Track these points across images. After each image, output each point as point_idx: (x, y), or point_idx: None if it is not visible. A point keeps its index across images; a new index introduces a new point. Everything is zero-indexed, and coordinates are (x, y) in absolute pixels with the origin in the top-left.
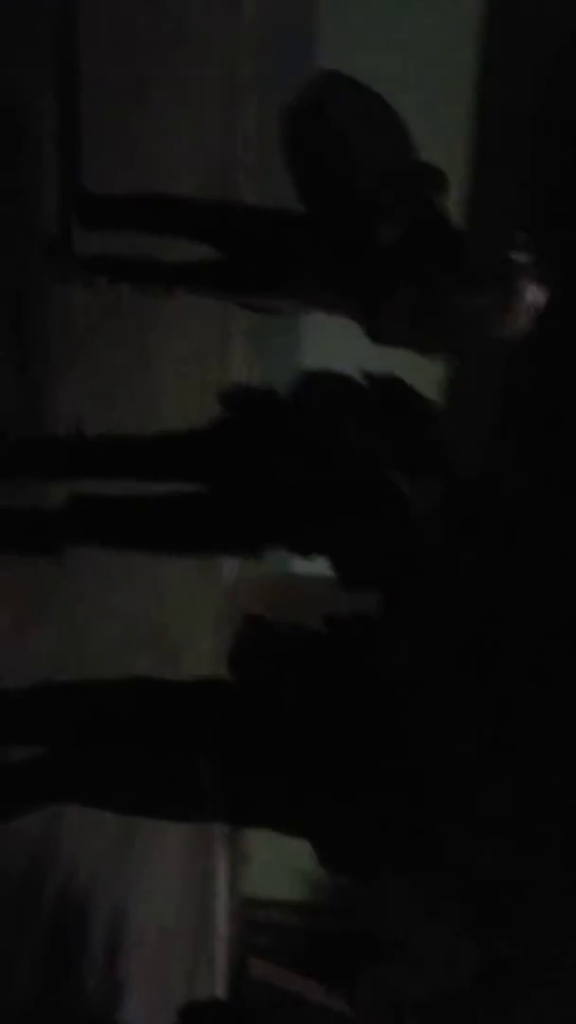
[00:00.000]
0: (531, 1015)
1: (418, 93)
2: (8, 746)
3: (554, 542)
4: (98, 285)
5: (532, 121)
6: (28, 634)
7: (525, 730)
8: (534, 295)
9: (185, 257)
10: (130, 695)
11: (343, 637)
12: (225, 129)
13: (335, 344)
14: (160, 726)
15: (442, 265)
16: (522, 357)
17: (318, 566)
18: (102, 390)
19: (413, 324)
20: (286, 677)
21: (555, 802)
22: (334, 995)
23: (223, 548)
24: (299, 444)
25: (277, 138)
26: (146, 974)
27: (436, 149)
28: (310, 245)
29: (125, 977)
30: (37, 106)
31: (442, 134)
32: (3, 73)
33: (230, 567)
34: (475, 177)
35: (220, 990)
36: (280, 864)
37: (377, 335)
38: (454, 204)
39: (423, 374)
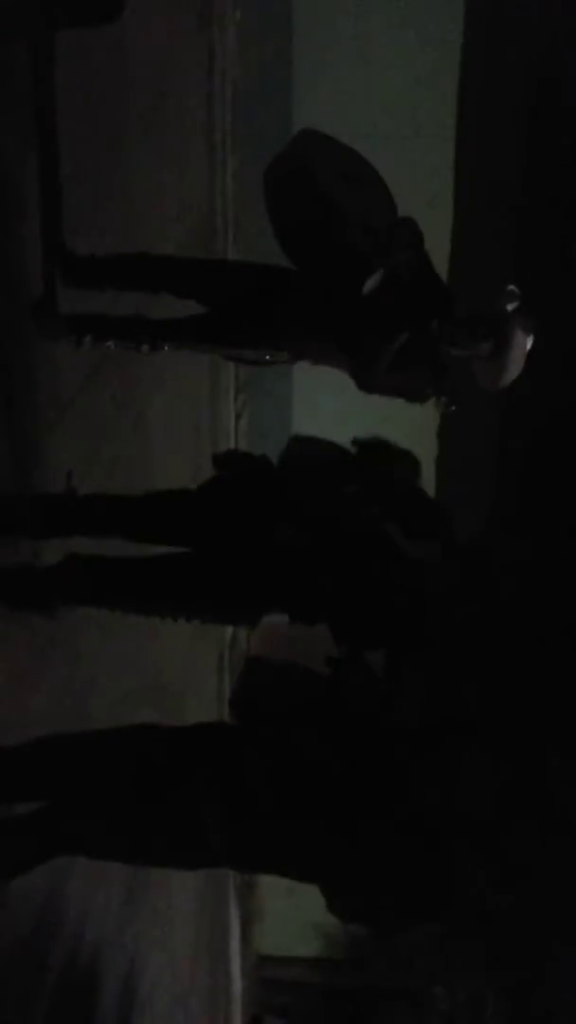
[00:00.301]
0: None
1: (397, 148)
2: (9, 803)
3: (555, 594)
4: (84, 344)
5: (513, 173)
6: (26, 692)
7: (537, 774)
8: (523, 345)
9: (171, 313)
10: (131, 743)
11: (345, 680)
12: (206, 185)
13: (325, 394)
14: (162, 772)
15: (429, 315)
16: (515, 408)
17: None
18: (92, 448)
19: (401, 373)
20: (289, 719)
21: (573, 843)
22: None
23: (218, 615)
24: (292, 507)
25: (262, 197)
26: None
27: (418, 203)
28: (296, 298)
29: None
30: (18, 169)
31: (423, 188)
32: None
33: None
34: (458, 229)
35: None
36: (294, 919)
37: (366, 384)
38: (439, 255)
39: (415, 424)
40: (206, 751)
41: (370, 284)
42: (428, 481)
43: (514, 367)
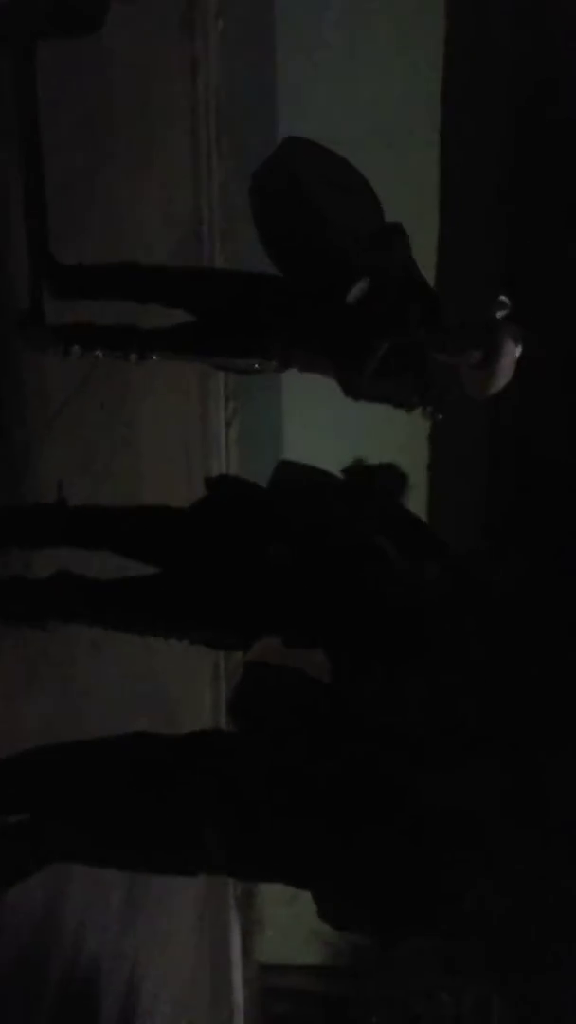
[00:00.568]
0: None
1: (383, 154)
2: (6, 813)
3: (551, 603)
4: (72, 354)
5: (501, 178)
6: (20, 704)
7: (535, 782)
8: (512, 354)
9: (159, 322)
10: (127, 751)
11: (346, 686)
12: (192, 194)
13: (316, 401)
14: (158, 780)
15: (415, 322)
16: (506, 414)
17: None
18: (81, 458)
19: (387, 380)
20: (288, 725)
21: (570, 847)
22: None
23: (210, 640)
24: (283, 527)
25: (248, 205)
26: None
27: (405, 209)
28: (283, 306)
29: None
30: (2, 181)
31: (410, 194)
32: None
33: None
34: (445, 235)
35: None
36: (295, 928)
37: (354, 392)
38: (427, 262)
39: (405, 430)
40: (203, 758)
41: (355, 291)
42: (420, 486)
43: (503, 376)
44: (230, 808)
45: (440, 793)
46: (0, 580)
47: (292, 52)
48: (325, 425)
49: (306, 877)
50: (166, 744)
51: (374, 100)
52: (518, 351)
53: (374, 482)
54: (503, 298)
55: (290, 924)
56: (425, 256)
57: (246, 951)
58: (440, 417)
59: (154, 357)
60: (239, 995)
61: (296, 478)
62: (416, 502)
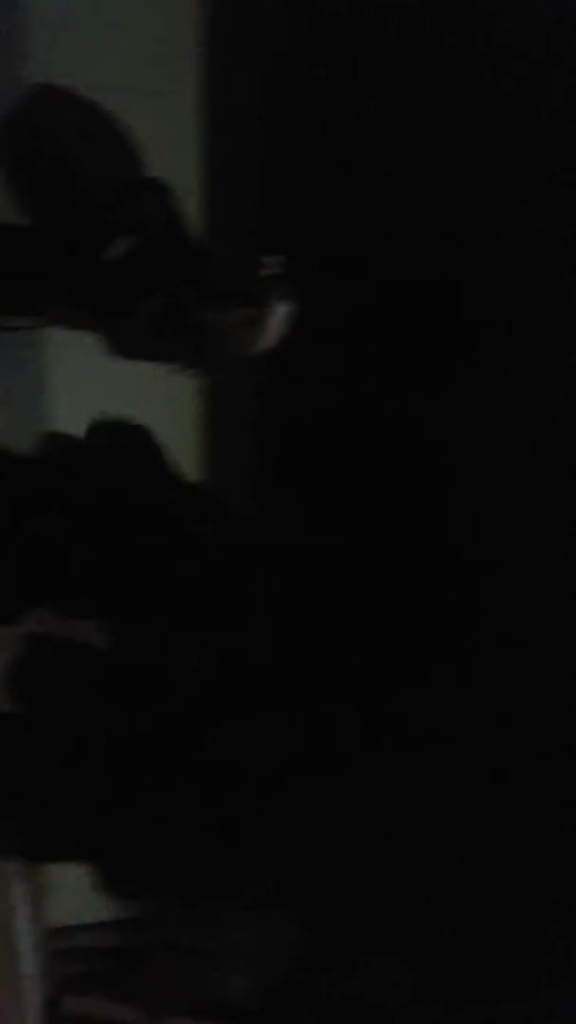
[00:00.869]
0: None
1: (143, 102)
2: None
3: (330, 563)
4: None
5: (262, 127)
6: None
7: (320, 731)
8: (281, 313)
9: None
10: None
11: (125, 649)
12: None
13: (80, 358)
14: None
15: (181, 278)
16: (272, 374)
17: None
18: None
19: (154, 337)
20: (69, 695)
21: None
22: (153, 1018)
23: None
24: (53, 500)
25: None
26: None
27: (166, 160)
28: (41, 262)
29: None
30: None
31: (172, 145)
32: None
33: None
34: (210, 189)
35: None
36: (84, 887)
37: (119, 349)
38: (191, 216)
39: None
40: None
41: (116, 248)
42: (190, 443)
43: (271, 334)
44: (10, 788)
45: (227, 745)
46: None
47: None
48: (91, 383)
49: (87, 851)
50: None
51: (129, 48)
52: (285, 309)
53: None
54: (272, 256)
55: (77, 883)
56: (187, 209)
57: (35, 918)
58: (207, 377)
59: None
60: (30, 965)
61: (64, 449)
62: (187, 460)
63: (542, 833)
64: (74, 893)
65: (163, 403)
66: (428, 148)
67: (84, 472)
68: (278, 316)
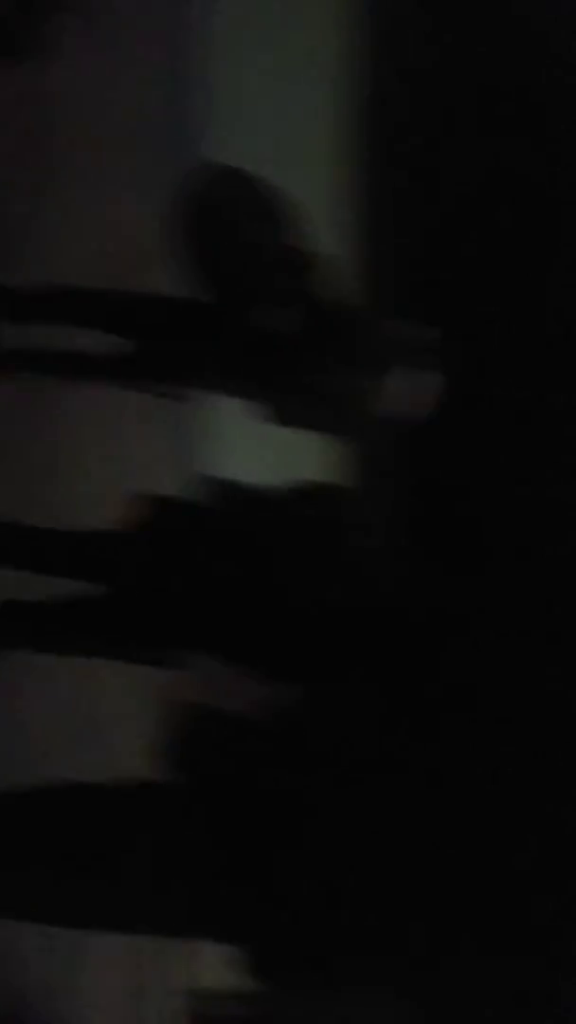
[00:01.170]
0: None
1: (301, 174)
2: None
3: (465, 625)
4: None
5: (418, 201)
6: None
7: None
8: (431, 380)
9: (91, 347)
10: (63, 802)
11: (282, 725)
12: (131, 219)
13: (241, 427)
14: (92, 837)
15: (339, 349)
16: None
17: None
18: (16, 488)
19: (310, 406)
20: (221, 771)
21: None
22: None
23: (137, 655)
24: (207, 544)
25: (168, 230)
26: None
27: (326, 231)
28: (212, 333)
29: None
30: None
31: (331, 216)
32: None
33: None
34: (365, 260)
35: None
36: (232, 952)
37: (279, 418)
38: (349, 288)
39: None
40: (138, 812)
41: (281, 320)
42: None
43: (421, 401)
44: (165, 862)
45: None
46: None
47: (214, 73)
48: (246, 449)
49: (240, 935)
50: (102, 793)
51: (292, 118)
52: (435, 378)
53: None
54: (428, 326)
55: (226, 949)
56: (347, 280)
57: (183, 977)
58: (356, 444)
59: (81, 380)
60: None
61: (221, 496)
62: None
63: None
64: (225, 958)
65: (313, 464)
66: None
67: (241, 521)
68: (428, 384)
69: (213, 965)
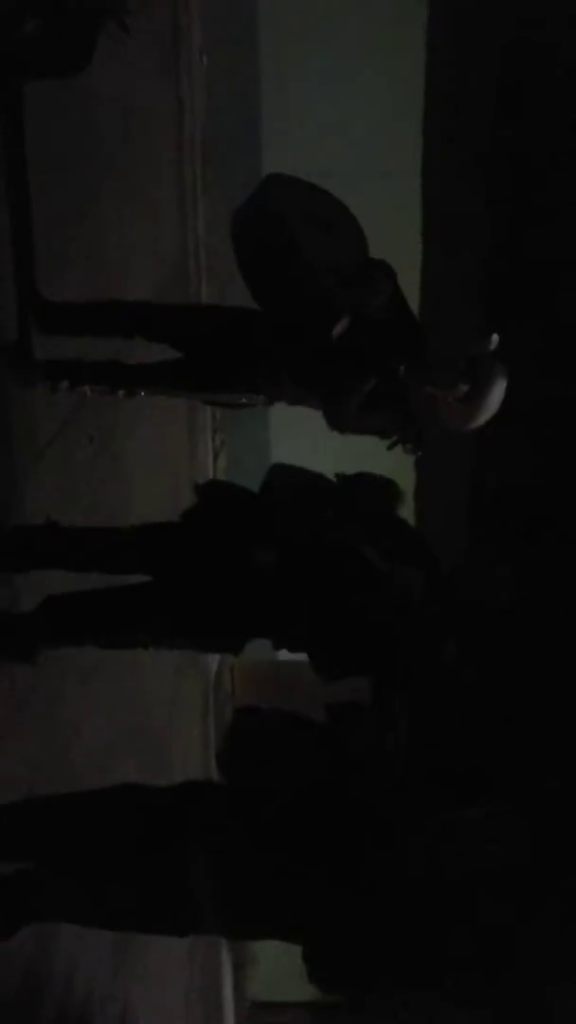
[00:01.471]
0: None
1: (366, 187)
2: None
3: (538, 623)
4: (60, 389)
5: (483, 213)
6: (7, 743)
7: (529, 821)
8: (501, 389)
9: (145, 357)
10: (115, 805)
11: (345, 724)
12: (178, 231)
13: (303, 431)
14: (147, 837)
15: (400, 357)
16: (488, 445)
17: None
18: (70, 494)
19: (372, 414)
20: (279, 774)
21: (563, 899)
22: None
23: (202, 642)
24: (272, 532)
25: (230, 242)
26: None
27: (390, 241)
28: (269, 342)
29: None
30: None
31: (395, 226)
32: None
33: (212, 657)
34: (427, 270)
35: None
36: (287, 963)
37: (339, 425)
38: (410, 294)
39: (392, 461)
40: (193, 813)
41: (338, 328)
42: (407, 515)
43: (490, 410)
44: (219, 865)
45: (424, 845)
46: None
47: (275, 86)
48: (312, 454)
49: (296, 930)
50: (156, 796)
51: (357, 133)
52: (500, 386)
53: (371, 490)
54: (494, 336)
55: (282, 960)
56: (410, 288)
57: (238, 988)
58: (420, 454)
59: (141, 393)
60: None
61: (287, 483)
62: None
63: None
64: (281, 968)
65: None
66: None
67: (305, 510)
68: (498, 394)
69: (264, 973)
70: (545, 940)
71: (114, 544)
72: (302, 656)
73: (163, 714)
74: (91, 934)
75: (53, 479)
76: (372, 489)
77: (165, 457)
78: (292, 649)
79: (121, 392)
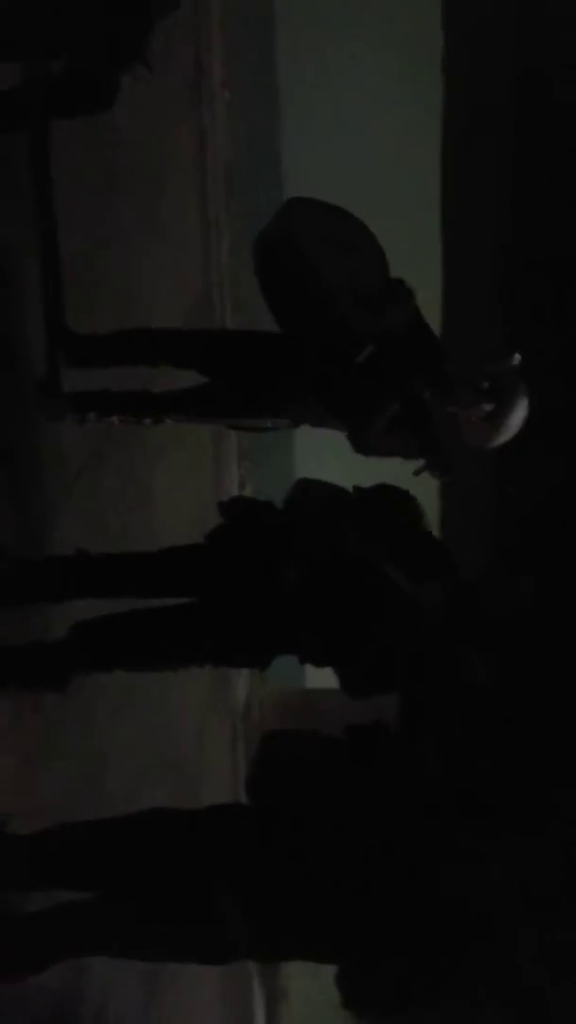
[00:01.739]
0: None
1: (386, 216)
2: (25, 893)
3: (562, 636)
4: (88, 421)
5: (500, 236)
6: (38, 773)
7: (561, 837)
8: (524, 408)
9: (171, 386)
10: (144, 829)
11: (366, 746)
12: (202, 262)
13: (328, 458)
14: (177, 862)
15: (423, 378)
16: (513, 463)
17: (331, 679)
18: (99, 523)
19: (396, 437)
20: (307, 798)
21: None
22: None
23: (228, 659)
24: (298, 549)
25: (252, 267)
26: None
27: (410, 262)
28: (292, 366)
29: None
30: (18, 254)
31: (414, 247)
32: None
33: (241, 686)
34: (448, 290)
35: None
36: (320, 998)
37: (364, 448)
38: (430, 313)
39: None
40: (221, 837)
41: (362, 356)
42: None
43: (512, 428)
44: (250, 888)
45: (460, 883)
46: (20, 647)
47: (297, 118)
48: (336, 482)
49: (328, 951)
50: (184, 820)
51: (377, 163)
52: (522, 405)
53: (392, 503)
54: (516, 355)
55: (315, 994)
56: (429, 307)
57: (270, 1022)
58: (447, 479)
59: (168, 420)
60: None
61: (312, 498)
62: None
63: None
64: (313, 1004)
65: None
66: None
67: (328, 527)
68: (516, 411)
69: (297, 1007)
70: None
71: (142, 568)
72: (329, 683)
73: (192, 744)
74: (121, 969)
75: (82, 510)
76: (392, 503)
77: (192, 487)
78: (317, 664)
79: (148, 420)
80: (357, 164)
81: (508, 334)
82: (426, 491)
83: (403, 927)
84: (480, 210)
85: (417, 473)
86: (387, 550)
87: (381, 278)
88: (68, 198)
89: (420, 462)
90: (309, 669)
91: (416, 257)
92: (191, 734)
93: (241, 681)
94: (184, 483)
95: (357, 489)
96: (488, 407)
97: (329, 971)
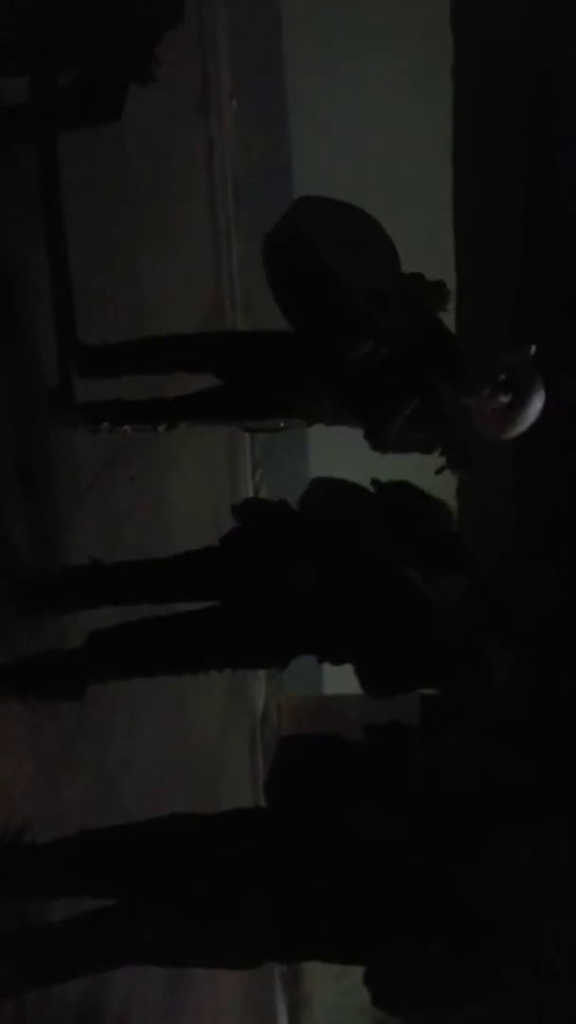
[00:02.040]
0: None
1: (399, 221)
2: (46, 902)
3: None
4: (102, 430)
5: (516, 223)
6: (57, 782)
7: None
8: (541, 399)
9: (184, 390)
10: (168, 836)
11: (384, 745)
12: (212, 269)
13: (342, 464)
14: (198, 866)
15: (439, 373)
16: (532, 455)
17: (349, 685)
18: (113, 532)
19: (414, 431)
20: (325, 798)
21: None
22: None
23: (247, 661)
24: (313, 549)
25: (263, 273)
26: None
27: (421, 259)
28: (305, 365)
29: None
30: (29, 265)
31: (426, 246)
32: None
33: (259, 692)
34: (461, 284)
35: None
36: (342, 1005)
37: (382, 445)
38: (445, 315)
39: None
40: (241, 841)
41: (372, 353)
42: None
43: (529, 420)
44: (271, 890)
45: (476, 868)
46: (38, 657)
47: (305, 126)
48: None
49: (352, 951)
50: (204, 824)
51: (388, 168)
52: (538, 397)
53: (411, 502)
54: (532, 346)
55: (338, 1000)
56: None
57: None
58: (468, 475)
59: (182, 424)
60: None
61: (327, 498)
62: None
63: None
64: (337, 1010)
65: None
66: None
67: (344, 528)
68: (533, 402)
69: (319, 1012)
70: None
71: (157, 574)
72: (347, 689)
73: (211, 752)
74: (143, 979)
75: (96, 520)
76: (410, 502)
77: (206, 494)
78: (335, 662)
79: (162, 426)
80: (366, 171)
81: (521, 328)
82: (445, 487)
83: (422, 927)
84: (491, 215)
85: (439, 472)
86: (408, 550)
87: (394, 274)
88: (77, 208)
89: (439, 459)
90: (327, 676)
91: (427, 261)
92: (209, 740)
93: (259, 687)
94: (198, 492)
95: (375, 482)
96: (505, 399)
97: (351, 978)
